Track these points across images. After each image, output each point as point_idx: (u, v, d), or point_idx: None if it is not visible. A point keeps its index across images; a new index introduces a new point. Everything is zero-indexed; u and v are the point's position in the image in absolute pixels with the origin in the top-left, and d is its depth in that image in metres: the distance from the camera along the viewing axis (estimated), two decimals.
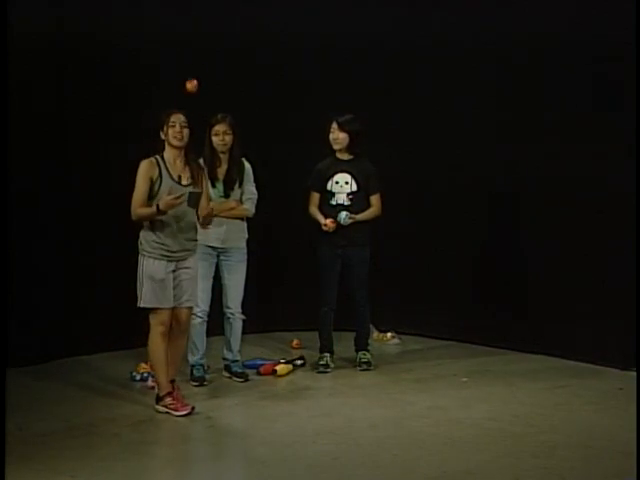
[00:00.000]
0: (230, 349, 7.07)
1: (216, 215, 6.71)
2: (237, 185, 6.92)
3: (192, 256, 6.30)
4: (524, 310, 7.84)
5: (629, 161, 6.79)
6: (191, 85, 6.30)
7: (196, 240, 6.33)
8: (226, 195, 6.91)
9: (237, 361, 7.10)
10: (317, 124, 7.33)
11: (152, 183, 6.11)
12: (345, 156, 7.23)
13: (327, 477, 5.28)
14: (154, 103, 7.58)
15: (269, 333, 8.23)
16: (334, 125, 7.17)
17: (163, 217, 6.07)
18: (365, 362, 7.34)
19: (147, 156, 6.14)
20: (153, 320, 6.19)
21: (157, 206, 5.99)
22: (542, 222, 7.71)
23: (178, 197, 5.97)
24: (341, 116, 7.14)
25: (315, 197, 7.27)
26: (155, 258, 6.15)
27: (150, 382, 6.80)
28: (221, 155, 6.87)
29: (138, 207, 6.09)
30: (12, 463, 5.16)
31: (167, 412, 6.21)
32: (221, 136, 6.82)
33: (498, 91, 7.78)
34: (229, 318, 7.02)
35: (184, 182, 6.19)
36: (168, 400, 6.22)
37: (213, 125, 6.84)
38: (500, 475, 5.29)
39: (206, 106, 7.35)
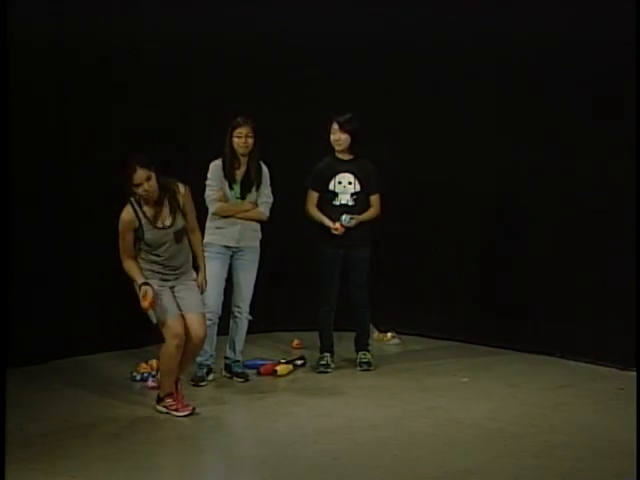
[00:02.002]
0: (233, 349, 7.06)
1: (231, 216, 6.82)
2: (254, 188, 6.92)
3: (186, 274, 6.29)
4: (524, 310, 7.83)
5: (629, 161, 6.79)
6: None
7: (188, 262, 6.30)
8: (242, 197, 6.92)
9: (238, 361, 7.10)
10: (317, 124, 7.33)
11: (135, 230, 6.07)
12: (346, 156, 7.21)
13: (327, 477, 5.28)
14: (155, 103, 7.61)
15: (269, 333, 8.22)
16: (335, 126, 7.13)
17: (157, 252, 6.07)
18: (365, 362, 7.33)
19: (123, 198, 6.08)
20: (166, 334, 6.14)
21: (141, 285, 5.99)
22: (542, 222, 7.71)
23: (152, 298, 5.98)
24: (341, 116, 7.11)
25: (314, 196, 7.25)
26: (151, 278, 6.13)
27: (150, 382, 6.80)
28: (241, 157, 6.88)
29: (128, 258, 6.06)
30: (12, 463, 5.16)
31: (167, 412, 6.22)
32: (244, 139, 6.83)
33: (498, 91, 7.76)
34: (237, 317, 7.01)
35: (167, 223, 6.12)
36: (169, 401, 6.23)
37: (235, 127, 6.83)
38: (500, 475, 5.29)
39: (208, 105, 7.37)
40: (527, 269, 7.86)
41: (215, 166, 6.87)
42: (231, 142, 6.84)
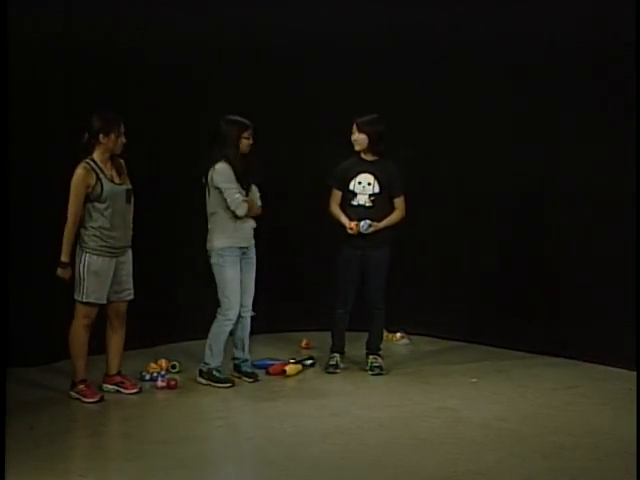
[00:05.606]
0: (243, 348, 7.05)
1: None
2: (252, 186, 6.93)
3: (128, 250, 6.55)
4: (534, 311, 7.82)
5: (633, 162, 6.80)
6: None
7: (130, 234, 6.56)
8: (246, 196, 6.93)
9: (247, 360, 7.10)
10: (333, 123, 7.35)
11: (91, 188, 6.32)
12: (369, 157, 7.15)
13: (335, 477, 5.29)
14: (164, 105, 7.62)
15: (278, 333, 8.22)
16: (354, 126, 7.11)
17: (109, 213, 6.34)
18: (377, 366, 7.25)
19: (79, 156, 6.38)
20: (81, 312, 6.43)
21: (66, 263, 6.32)
22: (553, 223, 7.71)
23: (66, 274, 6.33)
24: (361, 117, 7.09)
25: (337, 195, 7.20)
26: (99, 255, 6.36)
27: (160, 382, 6.81)
28: (242, 157, 6.88)
29: (73, 224, 6.32)
30: (21, 463, 5.19)
31: (78, 398, 6.43)
32: (251, 139, 6.83)
33: (514, 91, 7.73)
34: (243, 316, 7.01)
35: (117, 181, 6.44)
36: (81, 387, 6.43)
37: (246, 129, 6.79)
38: (510, 475, 5.29)
39: (220, 106, 7.35)
40: (538, 270, 7.85)
41: (227, 169, 6.79)
42: (238, 143, 6.83)
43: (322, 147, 7.81)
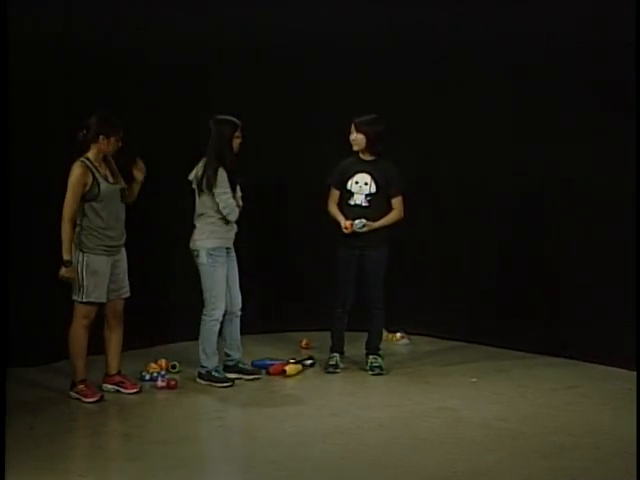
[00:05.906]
0: (238, 348, 7.05)
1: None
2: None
3: (122, 248, 6.57)
4: (534, 311, 7.82)
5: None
6: None
7: (124, 232, 6.57)
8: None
9: (240, 359, 7.09)
10: (333, 123, 7.33)
11: (87, 187, 6.33)
12: (367, 156, 7.15)
13: (335, 477, 5.29)
14: (164, 105, 7.61)
15: (278, 333, 8.22)
16: (352, 126, 7.11)
17: (105, 212, 6.37)
18: (377, 366, 7.25)
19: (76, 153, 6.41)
20: (81, 312, 6.44)
21: (65, 261, 6.29)
22: (553, 223, 7.70)
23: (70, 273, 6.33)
24: (360, 117, 7.10)
25: (335, 194, 7.20)
26: (97, 254, 6.38)
27: (160, 382, 6.81)
28: (234, 157, 6.87)
29: (70, 221, 6.31)
30: (21, 463, 5.20)
31: (78, 398, 6.43)
32: (240, 138, 6.84)
33: (514, 91, 7.73)
34: (237, 315, 7.01)
35: (112, 181, 6.47)
36: (81, 387, 6.44)
37: (237, 128, 6.80)
38: (510, 476, 5.29)
39: (220, 106, 7.35)
40: (538, 270, 7.84)
41: (223, 172, 6.77)
42: (232, 143, 6.82)
43: (322, 147, 7.81)
